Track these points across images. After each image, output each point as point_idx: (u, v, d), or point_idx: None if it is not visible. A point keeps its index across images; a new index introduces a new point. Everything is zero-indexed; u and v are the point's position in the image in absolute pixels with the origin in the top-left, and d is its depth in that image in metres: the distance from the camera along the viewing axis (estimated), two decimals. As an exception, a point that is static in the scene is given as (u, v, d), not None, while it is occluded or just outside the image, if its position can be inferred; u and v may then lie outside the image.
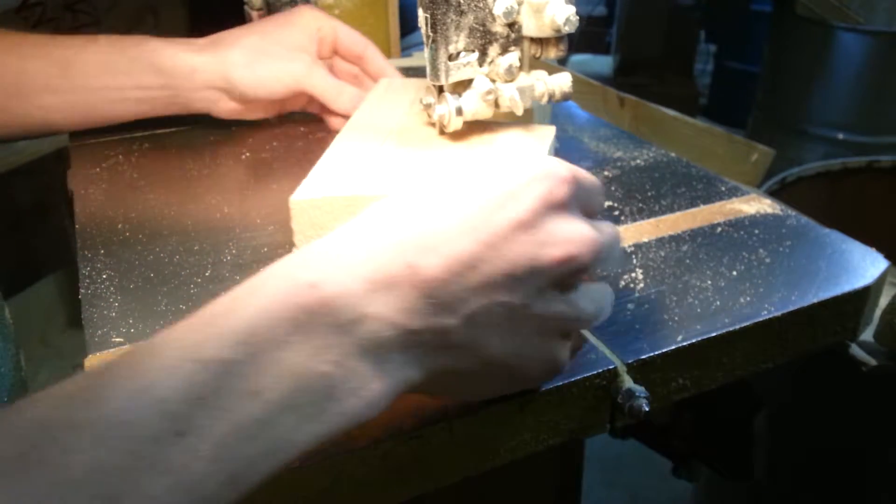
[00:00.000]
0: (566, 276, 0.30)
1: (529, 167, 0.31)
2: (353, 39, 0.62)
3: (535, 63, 0.51)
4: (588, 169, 0.45)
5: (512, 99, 0.48)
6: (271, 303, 0.27)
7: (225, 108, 0.59)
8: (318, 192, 0.41)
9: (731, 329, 0.38)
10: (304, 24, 0.59)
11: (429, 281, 0.28)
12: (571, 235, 0.30)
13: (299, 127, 0.65)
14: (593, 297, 0.33)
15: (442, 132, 0.50)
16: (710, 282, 0.42)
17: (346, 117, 0.55)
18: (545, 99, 0.51)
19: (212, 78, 0.57)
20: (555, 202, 0.30)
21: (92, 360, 0.35)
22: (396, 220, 0.30)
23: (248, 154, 0.60)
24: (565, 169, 0.31)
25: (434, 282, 0.28)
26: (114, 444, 0.23)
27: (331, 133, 0.64)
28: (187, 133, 0.64)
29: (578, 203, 0.31)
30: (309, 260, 0.29)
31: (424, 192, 0.31)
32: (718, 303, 0.40)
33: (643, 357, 0.36)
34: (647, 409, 0.35)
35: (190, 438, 0.23)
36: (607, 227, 0.33)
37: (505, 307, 0.29)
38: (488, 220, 0.29)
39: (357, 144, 0.48)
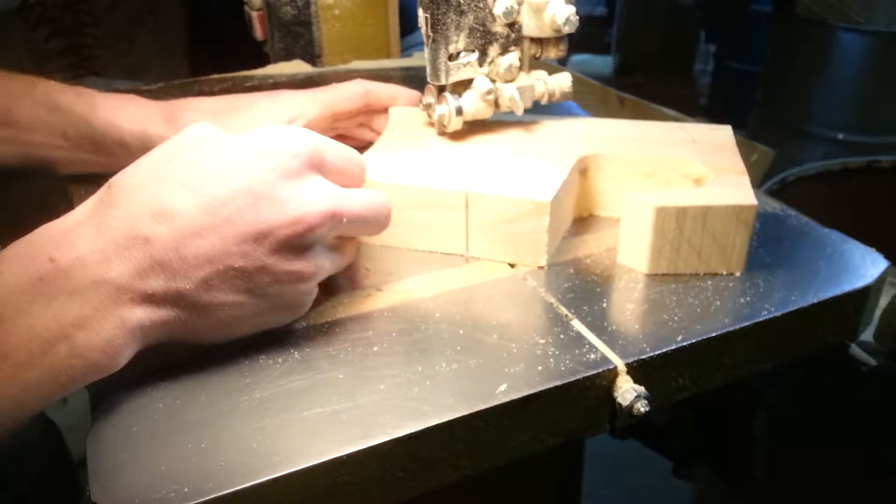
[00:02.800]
0: (297, 236, 0.33)
1: (261, 138, 0.34)
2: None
3: (535, 63, 0.51)
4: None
5: (512, 99, 0.48)
6: (15, 276, 0.30)
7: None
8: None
9: (731, 329, 0.38)
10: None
11: (161, 250, 0.31)
12: (299, 202, 0.33)
13: (299, 127, 0.65)
14: (333, 259, 0.37)
15: (442, 132, 0.50)
16: (710, 282, 0.42)
17: None
18: (545, 99, 0.51)
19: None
20: (285, 172, 0.33)
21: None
22: (131, 185, 0.32)
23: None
24: (300, 142, 0.34)
25: (167, 251, 0.31)
26: None
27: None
28: (187, 133, 0.64)
29: (322, 172, 0.35)
30: (49, 234, 0.32)
31: (162, 153, 0.34)
32: (718, 303, 0.40)
33: (643, 357, 0.36)
34: (647, 409, 0.35)
35: None
36: (356, 194, 0.36)
37: (239, 271, 0.33)
38: (216, 191, 0.32)
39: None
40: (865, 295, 0.42)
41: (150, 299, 0.32)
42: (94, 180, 0.54)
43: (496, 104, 0.49)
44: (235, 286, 0.33)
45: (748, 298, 0.40)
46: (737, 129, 0.51)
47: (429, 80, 0.48)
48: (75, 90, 0.51)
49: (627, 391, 0.35)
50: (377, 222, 0.38)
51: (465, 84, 0.48)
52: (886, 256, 0.45)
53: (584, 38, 2.96)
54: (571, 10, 0.46)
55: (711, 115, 2.59)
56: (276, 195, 0.33)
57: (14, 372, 0.30)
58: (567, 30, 0.47)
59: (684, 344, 0.37)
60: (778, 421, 0.81)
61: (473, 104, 0.48)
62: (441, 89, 0.48)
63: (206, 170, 0.33)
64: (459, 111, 0.48)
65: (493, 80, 0.48)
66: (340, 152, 0.37)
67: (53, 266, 0.31)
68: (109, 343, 0.31)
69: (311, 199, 0.34)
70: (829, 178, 1.15)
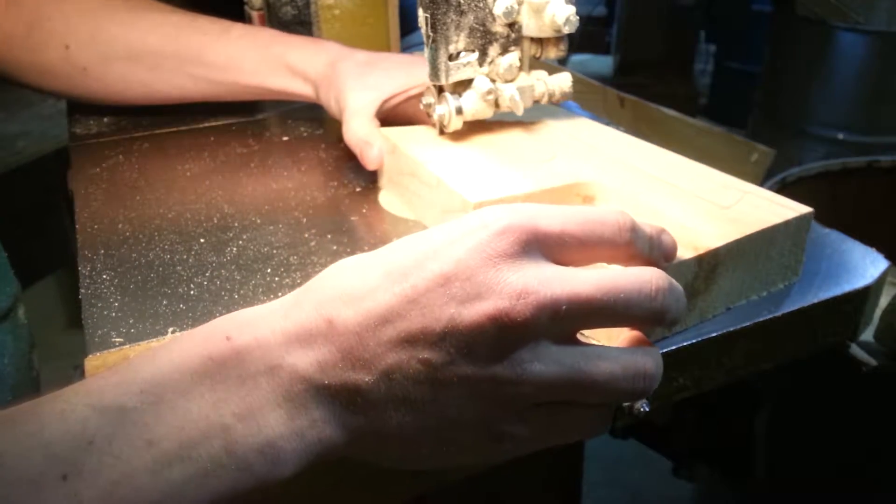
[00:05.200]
0: (503, 334, 0.27)
1: (464, 219, 0.29)
2: None
3: (535, 63, 0.51)
4: (588, 169, 0.44)
5: (512, 99, 0.48)
6: (184, 353, 0.27)
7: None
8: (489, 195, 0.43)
9: (731, 329, 0.38)
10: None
11: (344, 334, 0.27)
12: (507, 290, 0.27)
13: (300, 127, 0.65)
14: (561, 360, 0.28)
15: (441, 132, 0.50)
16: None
17: None
18: (545, 99, 0.51)
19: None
20: (492, 255, 0.27)
21: (91, 360, 0.35)
22: (332, 276, 0.29)
23: (247, 154, 0.60)
24: (512, 218, 0.28)
25: (349, 335, 0.27)
26: None
27: (331, 134, 0.64)
28: (187, 133, 0.64)
29: (545, 251, 0.28)
30: (232, 316, 0.28)
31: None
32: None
33: (643, 357, 0.36)
34: (647, 409, 0.35)
35: (74, 483, 0.23)
36: (591, 273, 0.28)
37: (426, 366, 0.27)
38: (411, 273, 0.27)
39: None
40: (865, 295, 0.42)
41: (325, 393, 0.27)
42: (96, 181, 0.55)
43: (496, 104, 0.49)
44: (420, 387, 0.27)
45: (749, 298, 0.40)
46: (737, 129, 0.51)
47: (429, 80, 0.48)
48: (269, 33, 0.61)
49: (628, 391, 0.35)
50: (627, 304, 0.28)
51: (466, 84, 0.48)
52: (886, 256, 0.45)
53: (584, 38, 2.97)
54: (571, 10, 0.46)
55: (711, 115, 2.59)
56: (475, 280, 0.27)
57: (156, 465, 0.25)
58: (567, 30, 0.47)
59: (684, 344, 0.37)
60: (778, 421, 0.81)
61: (473, 104, 0.48)
62: (441, 89, 0.48)
63: (404, 253, 0.28)
64: (459, 111, 0.48)
65: (493, 80, 0.48)
66: (573, 219, 0.29)
67: (228, 345, 0.27)
68: (270, 443, 0.26)
69: (518, 285, 0.27)
70: (829, 178, 1.15)
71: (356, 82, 0.55)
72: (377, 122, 0.54)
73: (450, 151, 0.49)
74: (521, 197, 0.43)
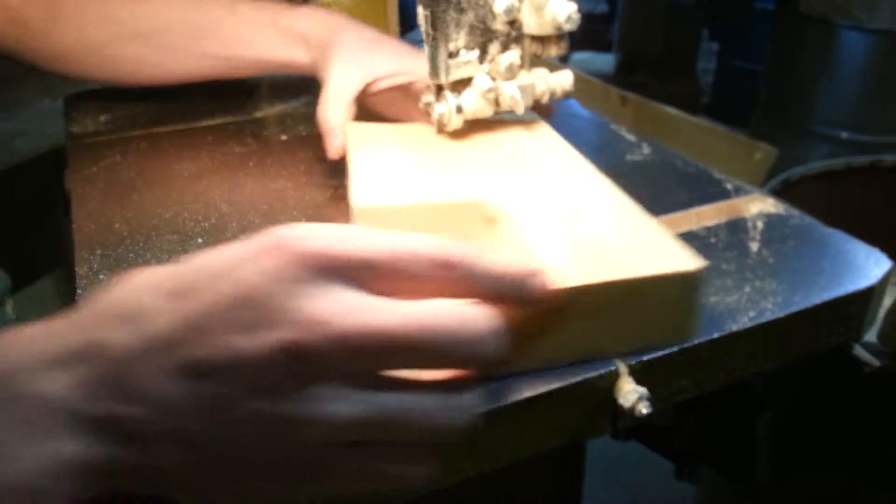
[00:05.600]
0: (295, 367, 0.24)
1: (269, 236, 0.25)
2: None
3: (536, 61, 0.51)
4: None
5: (512, 97, 0.48)
6: None
7: None
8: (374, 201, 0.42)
9: (733, 330, 0.38)
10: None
11: (113, 359, 0.24)
12: (300, 319, 0.23)
13: (298, 126, 0.65)
14: (367, 400, 0.25)
15: (441, 131, 0.50)
16: (712, 282, 0.42)
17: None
18: (546, 97, 0.50)
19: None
20: (287, 280, 0.24)
21: None
22: (109, 290, 0.26)
23: (246, 153, 0.59)
24: (314, 240, 0.25)
25: (119, 360, 0.24)
26: None
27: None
28: (185, 132, 0.64)
29: (350, 279, 0.25)
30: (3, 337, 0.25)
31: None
32: (720, 304, 0.40)
33: (645, 358, 0.36)
34: (648, 410, 0.35)
35: None
36: (409, 310, 0.24)
37: (208, 399, 0.24)
38: (197, 294, 0.24)
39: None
40: (869, 295, 0.42)
41: (87, 422, 0.24)
42: (93, 180, 0.54)
43: (497, 102, 0.49)
44: (200, 423, 0.24)
45: (752, 299, 0.40)
46: (740, 127, 0.51)
47: (428, 78, 0.47)
48: (278, 7, 0.61)
49: (629, 392, 0.35)
50: (437, 344, 0.25)
51: (466, 82, 0.48)
52: (890, 256, 0.44)
53: (585, 36, 2.96)
54: (573, 7, 0.46)
55: (714, 113, 2.58)
56: (266, 306, 0.24)
57: None
58: (568, 27, 0.46)
59: (686, 345, 0.36)
60: (780, 422, 0.81)
61: (474, 102, 0.48)
62: (441, 88, 0.48)
63: (193, 271, 0.25)
64: (459, 109, 0.48)
65: (493, 79, 0.48)
66: (386, 248, 0.25)
67: None
68: (22, 481, 0.23)
69: (312, 315, 0.24)
70: (833, 177, 1.14)
71: (348, 56, 0.55)
72: (354, 109, 0.54)
73: (387, 154, 0.48)
74: (409, 207, 0.41)
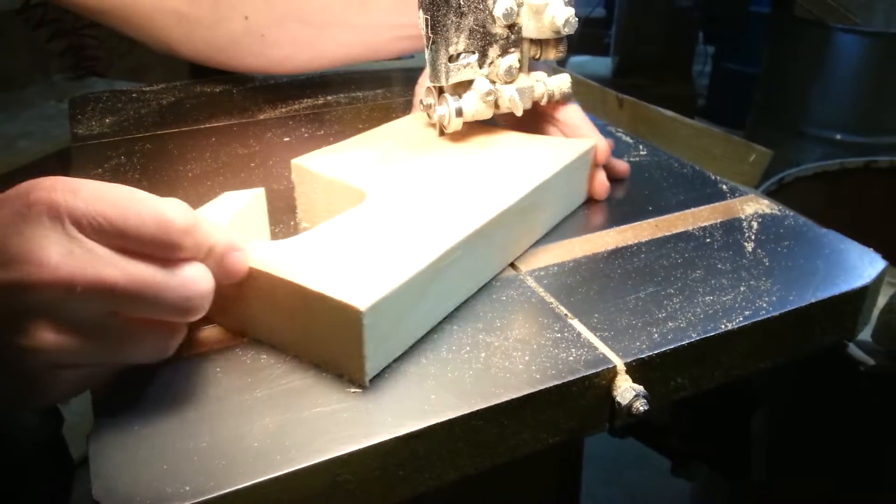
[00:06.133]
0: (20, 302, 0.27)
1: (16, 188, 0.28)
2: None
3: (534, 64, 0.51)
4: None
5: (512, 100, 0.49)
6: None
7: None
8: (313, 165, 0.47)
9: (729, 329, 0.38)
10: None
11: None
12: (32, 258, 0.27)
13: (301, 128, 0.66)
14: (67, 334, 0.28)
15: (442, 133, 0.50)
16: (708, 281, 0.42)
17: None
18: (545, 100, 0.51)
19: None
20: (18, 222, 0.27)
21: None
22: None
23: (249, 154, 0.60)
24: (51, 191, 0.28)
25: None
26: None
27: (332, 135, 0.64)
28: (189, 134, 0.64)
29: (85, 231, 0.28)
30: None
31: None
32: (717, 303, 0.40)
33: (642, 356, 0.36)
34: (646, 408, 0.35)
35: None
36: (126, 264, 0.28)
37: None
38: None
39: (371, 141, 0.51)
40: (863, 295, 0.42)
41: None
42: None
43: (496, 105, 0.49)
44: None
45: (747, 298, 0.41)
46: (735, 129, 0.51)
47: (429, 81, 0.48)
48: None
49: (626, 390, 0.35)
50: (157, 299, 0.29)
51: (466, 85, 0.49)
52: (884, 256, 0.45)
53: (583, 40, 2.97)
54: (571, 11, 0.46)
55: (710, 115, 2.59)
56: (4, 246, 0.27)
57: None
58: (566, 31, 0.47)
59: (683, 343, 0.37)
60: (776, 420, 0.82)
61: (473, 105, 0.48)
62: (441, 90, 0.49)
63: None
64: (459, 112, 0.48)
65: (493, 82, 0.49)
66: (122, 209, 0.28)
67: None
68: None
69: (46, 257, 0.27)
70: (827, 178, 1.15)
71: None
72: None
73: (393, 137, 0.51)
74: (318, 176, 0.46)
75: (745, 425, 0.52)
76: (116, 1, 0.63)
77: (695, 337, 0.37)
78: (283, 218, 0.49)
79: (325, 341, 0.34)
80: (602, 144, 0.50)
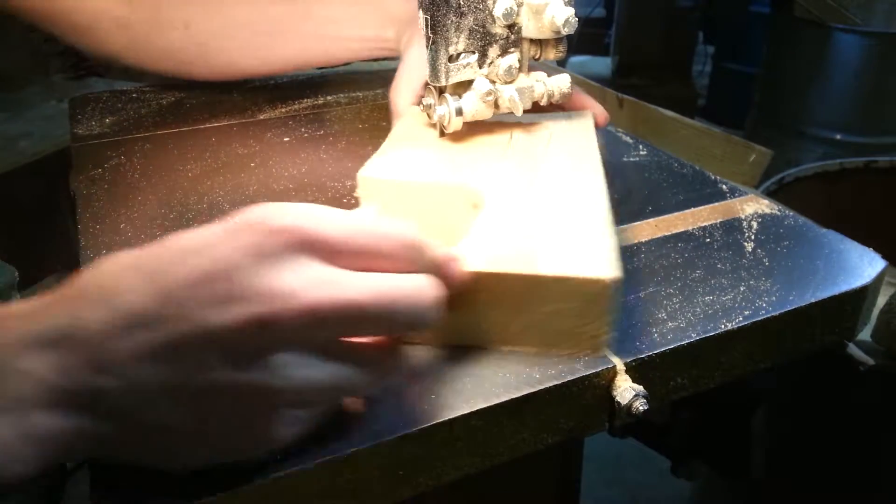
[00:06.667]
0: (263, 338, 0.26)
1: (241, 217, 0.27)
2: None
3: (534, 64, 0.51)
4: (587, 170, 0.44)
5: (511, 100, 0.49)
6: None
7: None
8: (391, 175, 0.44)
9: (729, 329, 0.38)
10: None
11: (90, 335, 0.25)
12: (270, 292, 0.25)
13: (301, 128, 0.66)
14: (321, 367, 0.27)
15: (442, 133, 0.50)
16: (708, 281, 0.42)
17: None
18: (544, 100, 0.51)
19: None
20: (258, 255, 0.26)
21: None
22: (90, 272, 0.27)
23: (249, 155, 0.60)
24: (283, 219, 0.26)
25: (95, 336, 0.25)
26: None
27: (332, 135, 0.64)
28: (189, 134, 0.64)
29: (317, 255, 0.27)
30: None
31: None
32: (717, 303, 0.40)
33: (642, 356, 0.36)
34: (645, 407, 0.35)
35: None
36: (366, 280, 0.27)
37: (180, 372, 0.25)
38: (169, 270, 0.25)
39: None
40: (863, 295, 0.42)
41: (65, 397, 0.26)
42: (98, 181, 0.55)
43: (496, 105, 0.49)
44: (174, 393, 0.26)
45: (747, 298, 0.41)
46: (735, 129, 0.51)
47: (429, 81, 0.48)
48: None
49: (626, 390, 0.35)
50: (393, 312, 0.28)
51: (465, 85, 0.49)
52: (884, 256, 0.45)
53: (583, 40, 2.97)
54: (571, 11, 0.46)
55: (710, 116, 2.59)
56: (237, 281, 0.25)
57: None
58: (566, 31, 0.47)
59: (683, 343, 0.37)
60: (776, 420, 0.82)
61: (473, 105, 0.48)
62: (441, 90, 0.49)
63: (166, 249, 0.27)
64: (459, 112, 0.48)
65: (492, 82, 0.49)
66: (351, 227, 0.28)
67: None
68: (2, 446, 0.25)
69: (282, 288, 0.26)
70: (827, 178, 1.15)
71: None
72: (422, 93, 0.56)
73: (421, 136, 0.50)
74: (405, 183, 0.43)
75: (745, 425, 0.52)
76: (61, 7, 0.63)
77: (695, 337, 0.38)
78: (283, 218, 0.49)
79: (550, 324, 0.35)
80: (599, 110, 0.54)
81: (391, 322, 0.28)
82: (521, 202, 0.41)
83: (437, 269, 0.30)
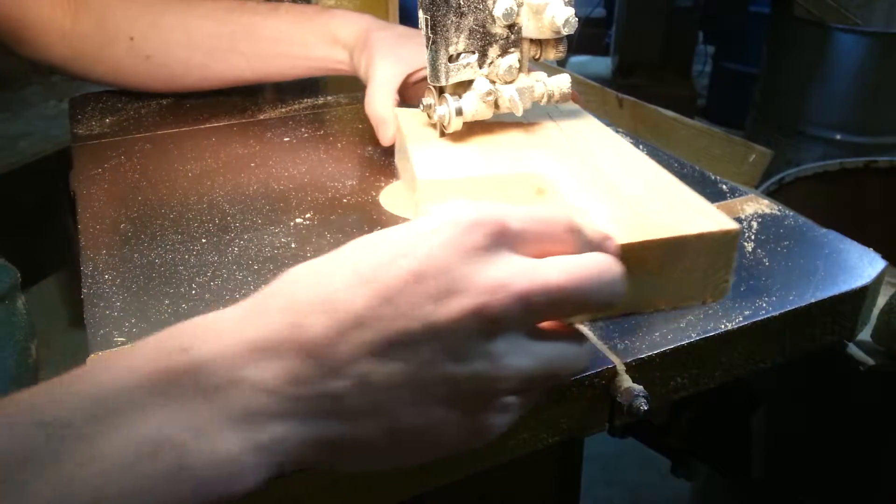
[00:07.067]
0: (481, 329, 0.26)
1: (439, 214, 0.28)
2: None
3: (534, 64, 0.52)
4: (587, 169, 0.44)
5: (511, 100, 0.49)
6: (138, 365, 0.25)
7: None
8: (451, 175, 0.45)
9: (729, 329, 0.38)
10: None
11: (314, 341, 0.25)
12: (483, 283, 0.26)
13: (301, 128, 0.66)
14: (535, 353, 0.28)
15: (443, 133, 0.50)
16: (708, 281, 0.42)
17: None
18: (544, 100, 0.51)
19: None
20: (466, 248, 0.26)
21: (93, 360, 0.36)
22: (291, 282, 0.28)
23: (249, 155, 0.60)
24: (482, 213, 0.27)
25: (320, 342, 0.25)
26: None
27: (332, 135, 0.64)
28: (189, 134, 0.64)
29: (511, 246, 0.28)
30: (191, 324, 0.27)
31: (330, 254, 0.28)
32: (717, 303, 0.40)
33: (642, 356, 0.36)
34: (645, 407, 0.35)
35: (11, 498, 0.22)
36: (556, 262, 0.28)
37: (406, 368, 0.26)
38: (382, 271, 0.26)
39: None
40: (863, 295, 0.42)
41: (296, 404, 0.26)
42: (98, 181, 0.55)
43: (496, 105, 0.49)
44: (399, 390, 0.26)
45: (747, 298, 0.41)
46: (735, 129, 0.52)
47: (429, 81, 0.48)
48: (314, 8, 0.67)
49: (626, 390, 0.35)
50: (591, 291, 0.28)
51: (465, 85, 0.49)
52: (884, 256, 0.45)
53: (583, 40, 2.97)
54: (571, 11, 0.46)
55: (709, 116, 2.59)
56: (449, 276, 0.26)
57: (98, 480, 0.23)
58: (566, 31, 0.47)
59: (683, 343, 0.37)
60: (776, 420, 0.82)
61: (473, 105, 0.48)
62: (441, 90, 0.49)
63: (371, 252, 0.27)
64: (459, 112, 0.48)
65: (492, 82, 0.49)
66: (532, 216, 0.29)
67: (185, 358, 0.25)
68: (230, 459, 0.25)
69: (494, 278, 0.26)
70: (827, 178, 1.15)
71: (388, 52, 0.59)
72: (398, 99, 0.58)
73: (433, 134, 0.51)
74: (468, 180, 0.44)
75: (744, 425, 0.52)
76: (6, 14, 0.63)
77: (695, 337, 0.38)
78: (283, 218, 0.49)
79: (684, 280, 0.38)
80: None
81: (590, 301, 0.29)
82: (588, 182, 0.44)
83: (595, 248, 0.31)
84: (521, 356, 0.28)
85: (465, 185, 0.44)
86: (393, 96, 0.57)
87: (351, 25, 0.63)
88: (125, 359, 0.26)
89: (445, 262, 0.26)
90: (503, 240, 0.28)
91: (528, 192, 0.44)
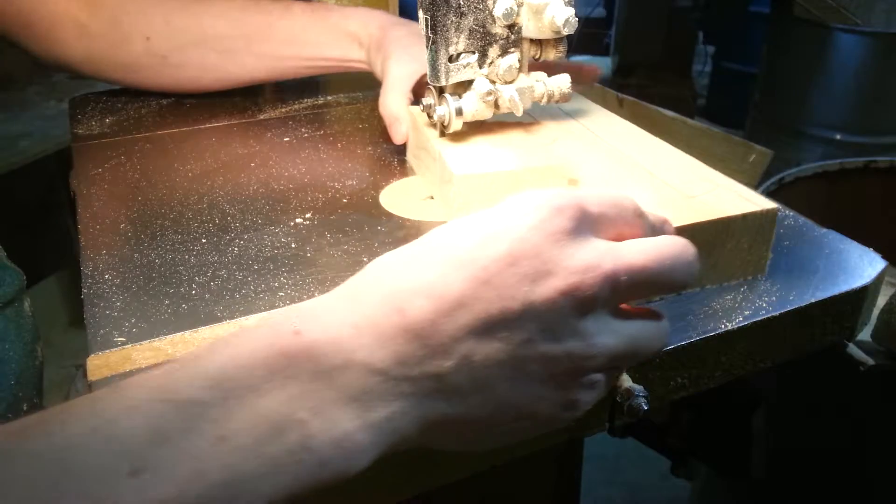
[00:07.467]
0: (574, 308, 0.28)
1: (522, 200, 0.29)
2: None
3: (534, 64, 0.51)
4: (588, 169, 0.45)
5: (511, 100, 0.49)
6: (251, 348, 0.26)
7: None
8: (479, 169, 0.46)
9: (729, 329, 0.38)
10: None
11: (418, 323, 0.27)
12: (574, 265, 0.28)
13: (301, 128, 0.66)
14: (621, 331, 0.30)
15: (443, 133, 0.50)
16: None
17: None
18: (544, 100, 0.51)
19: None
20: (554, 232, 0.28)
21: (93, 360, 0.36)
22: (385, 270, 0.29)
23: (249, 154, 0.60)
24: (564, 198, 0.29)
25: (423, 324, 0.27)
26: (57, 476, 0.22)
27: (332, 135, 0.64)
28: (189, 134, 0.64)
29: (592, 229, 0.29)
30: (297, 308, 0.28)
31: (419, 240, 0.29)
32: (717, 302, 0.40)
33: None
34: (646, 407, 0.35)
35: (145, 478, 0.23)
36: (633, 244, 0.29)
37: (505, 346, 0.27)
38: (477, 256, 0.27)
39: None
40: (863, 295, 0.42)
41: (405, 384, 0.27)
42: (98, 181, 0.55)
43: (496, 105, 0.49)
44: (500, 368, 0.28)
45: (747, 298, 0.41)
46: (734, 129, 0.52)
47: (429, 81, 0.48)
48: (327, 7, 0.66)
49: (626, 390, 0.35)
50: (671, 270, 0.30)
51: (465, 85, 0.49)
52: (884, 256, 0.45)
53: (583, 40, 2.97)
54: (571, 11, 0.46)
55: (709, 115, 2.59)
56: (542, 257, 0.27)
57: (230, 461, 0.24)
58: (566, 31, 0.47)
59: (683, 343, 0.37)
60: (776, 419, 0.82)
61: (473, 105, 0.48)
62: (441, 90, 0.49)
63: (461, 239, 0.28)
64: (459, 112, 0.48)
65: (492, 82, 0.49)
66: (607, 200, 0.30)
67: (297, 340, 0.26)
68: (347, 436, 0.26)
69: (584, 260, 0.28)
70: (827, 178, 1.15)
71: (403, 51, 0.59)
72: (411, 97, 0.58)
73: (459, 131, 0.51)
74: (504, 174, 0.45)
75: (744, 425, 0.52)
76: (18, 7, 0.63)
77: (695, 337, 0.38)
78: (283, 218, 0.49)
79: (729, 258, 0.41)
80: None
81: (669, 281, 0.30)
82: (626, 169, 0.45)
83: (658, 231, 0.32)
84: (608, 335, 0.29)
85: (500, 179, 0.45)
86: (407, 95, 0.57)
87: (367, 24, 0.63)
88: (235, 344, 0.27)
89: (536, 245, 0.27)
90: (585, 223, 0.29)
91: (561, 184, 0.45)
